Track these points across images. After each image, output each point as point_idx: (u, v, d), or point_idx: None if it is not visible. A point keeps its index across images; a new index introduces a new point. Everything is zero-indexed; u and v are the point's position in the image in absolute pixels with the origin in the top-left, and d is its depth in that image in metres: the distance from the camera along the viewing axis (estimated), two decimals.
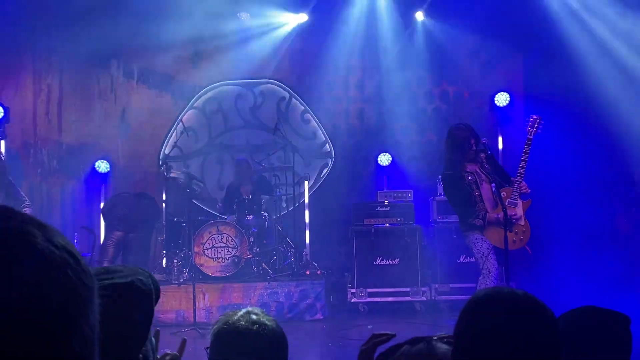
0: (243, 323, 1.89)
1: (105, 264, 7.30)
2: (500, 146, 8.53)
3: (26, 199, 5.16)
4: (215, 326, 1.93)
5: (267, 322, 1.93)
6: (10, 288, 0.76)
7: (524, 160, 5.33)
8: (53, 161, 9.34)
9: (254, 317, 1.91)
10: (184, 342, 2.03)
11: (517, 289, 1.58)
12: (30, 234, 0.80)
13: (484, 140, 5.45)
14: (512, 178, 5.46)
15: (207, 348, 1.93)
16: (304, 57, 9.46)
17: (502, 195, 5.27)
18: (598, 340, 1.94)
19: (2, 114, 8.31)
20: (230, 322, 1.90)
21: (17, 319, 0.75)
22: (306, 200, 8.80)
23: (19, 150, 9.20)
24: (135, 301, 1.30)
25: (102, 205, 8.74)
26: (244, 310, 1.95)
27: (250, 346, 1.86)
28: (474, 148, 5.45)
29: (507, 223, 5.14)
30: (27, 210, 5.11)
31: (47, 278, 0.79)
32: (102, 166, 8.92)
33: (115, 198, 7.79)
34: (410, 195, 8.14)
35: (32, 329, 0.76)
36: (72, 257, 0.83)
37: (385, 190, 8.50)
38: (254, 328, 1.88)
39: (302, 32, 9.38)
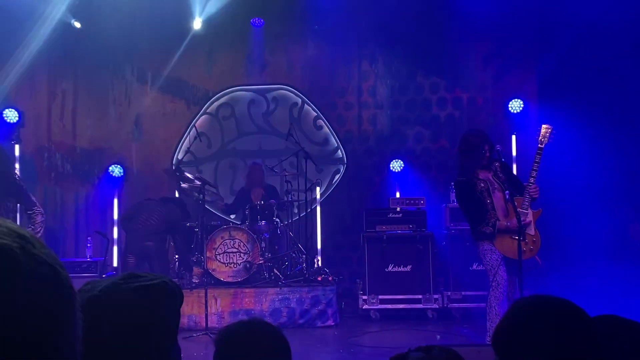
0: (244, 329, 1.93)
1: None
2: (514, 153, 8.48)
3: (37, 204, 5.16)
4: (218, 335, 1.97)
5: (269, 327, 1.99)
6: None
7: (534, 170, 5.28)
8: (67, 165, 9.40)
9: (256, 324, 1.98)
10: None
11: (558, 297, 1.61)
12: (7, 246, 0.78)
13: (497, 147, 5.41)
14: (524, 184, 5.42)
15: None
16: (316, 63, 9.47)
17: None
18: (617, 349, 1.91)
19: (17, 119, 8.38)
20: (232, 329, 1.95)
21: None
22: (318, 206, 8.80)
23: (34, 154, 9.27)
24: (165, 301, 1.36)
25: (115, 210, 8.78)
26: (246, 319, 2.02)
27: (253, 351, 1.91)
28: (488, 155, 5.41)
29: (521, 232, 5.11)
30: (38, 218, 5.10)
31: (27, 293, 0.76)
32: (116, 171, 8.98)
33: (137, 206, 7.79)
34: (422, 202, 8.11)
35: (11, 345, 0.73)
36: (53, 271, 0.81)
37: (397, 197, 8.48)
38: (257, 334, 1.94)
39: (315, 38, 9.41)
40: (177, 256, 7.93)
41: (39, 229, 5.06)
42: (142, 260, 7.37)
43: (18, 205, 5.33)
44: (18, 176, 5.28)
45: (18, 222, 5.15)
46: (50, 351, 0.77)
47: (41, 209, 5.19)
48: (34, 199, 5.20)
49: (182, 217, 7.99)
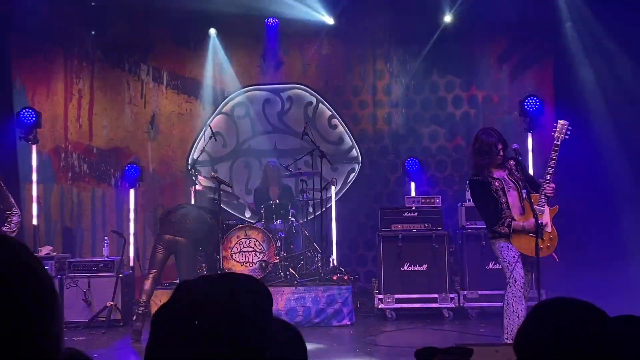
0: None
1: (156, 267, 7.30)
2: (530, 151, 8.41)
3: (15, 206, 5.55)
4: None
5: (284, 324, 1.97)
6: None
7: (551, 167, 5.23)
8: (83, 165, 9.47)
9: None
10: None
11: (579, 299, 1.60)
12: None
13: (515, 146, 5.37)
14: (539, 181, 5.37)
15: None
16: (331, 62, 9.47)
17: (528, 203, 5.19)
18: (636, 349, 1.89)
19: (34, 119, 8.46)
20: None
21: None
22: (333, 205, 8.79)
23: (51, 154, 9.35)
24: (254, 296, 1.34)
25: (131, 210, 8.82)
26: None
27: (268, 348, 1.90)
28: (502, 154, 5.37)
29: (538, 230, 5.06)
30: (15, 218, 5.55)
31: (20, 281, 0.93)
32: (132, 170, 9.00)
33: (179, 205, 7.85)
34: (438, 200, 8.07)
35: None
36: (39, 263, 1.00)
37: (412, 196, 8.45)
38: (272, 331, 1.92)
39: (329, 37, 9.41)
40: (205, 265, 7.87)
41: (14, 228, 5.49)
42: (169, 253, 7.34)
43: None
44: (1, 179, 5.60)
45: None
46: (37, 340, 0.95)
47: (18, 211, 5.62)
48: (12, 200, 5.59)
49: (211, 230, 7.96)
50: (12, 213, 5.47)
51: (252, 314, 1.28)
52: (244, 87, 9.56)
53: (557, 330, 1.54)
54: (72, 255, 8.38)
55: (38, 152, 8.73)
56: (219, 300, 1.27)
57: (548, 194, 5.21)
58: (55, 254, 7.97)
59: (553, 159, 5.23)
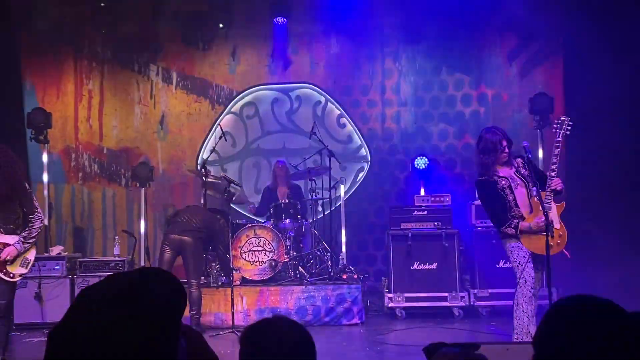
0: (269, 327, 1.94)
1: (165, 267, 7.29)
2: (540, 150, 8.38)
3: (38, 210, 5.43)
4: (243, 333, 1.97)
5: (293, 324, 1.98)
6: None
7: (554, 163, 5.21)
8: (94, 165, 9.52)
9: (280, 321, 1.97)
10: None
11: (600, 297, 1.58)
12: None
13: (525, 144, 5.36)
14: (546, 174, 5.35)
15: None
16: (339, 61, 9.47)
17: (536, 200, 5.16)
18: None
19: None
20: (256, 327, 1.95)
21: None
22: (342, 204, 8.78)
23: (61, 155, 9.40)
24: (161, 329, 1.22)
25: (142, 210, 8.85)
26: (270, 316, 2.02)
27: (277, 348, 1.91)
28: (507, 151, 5.36)
29: (548, 228, 5.04)
30: (37, 223, 5.41)
31: None
32: (142, 170, 9.00)
33: (185, 207, 7.87)
34: (447, 199, 8.05)
35: None
36: None
37: (422, 194, 8.43)
38: (281, 331, 1.93)
39: (338, 36, 9.40)
40: (217, 264, 7.89)
41: (34, 234, 5.38)
42: (176, 252, 7.36)
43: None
44: (27, 182, 5.54)
45: (20, 222, 5.37)
46: None
47: (41, 215, 5.46)
48: (36, 204, 5.46)
49: (220, 231, 7.97)
50: (34, 217, 5.36)
51: (151, 332, 1.18)
52: (252, 87, 9.57)
53: (577, 328, 1.52)
54: (83, 255, 8.42)
55: (49, 153, 8.79)
56: (117, 317, 1.18)
57: (554, 187, 5.19)
58: (66, 254, 8.00)
59: (556, 155, 5.22)
